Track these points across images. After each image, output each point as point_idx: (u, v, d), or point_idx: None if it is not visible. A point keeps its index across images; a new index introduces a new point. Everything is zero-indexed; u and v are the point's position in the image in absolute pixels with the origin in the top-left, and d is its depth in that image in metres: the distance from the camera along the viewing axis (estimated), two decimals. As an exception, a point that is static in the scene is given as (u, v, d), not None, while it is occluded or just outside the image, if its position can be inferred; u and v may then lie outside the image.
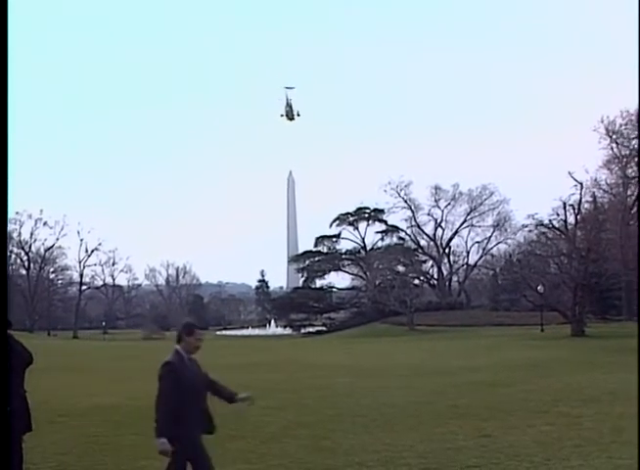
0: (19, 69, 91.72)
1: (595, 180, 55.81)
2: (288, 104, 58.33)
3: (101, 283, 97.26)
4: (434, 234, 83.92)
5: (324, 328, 73.22)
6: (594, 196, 53.48)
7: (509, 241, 74.66)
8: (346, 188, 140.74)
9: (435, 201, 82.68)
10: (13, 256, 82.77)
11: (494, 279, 71.05)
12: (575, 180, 44.07)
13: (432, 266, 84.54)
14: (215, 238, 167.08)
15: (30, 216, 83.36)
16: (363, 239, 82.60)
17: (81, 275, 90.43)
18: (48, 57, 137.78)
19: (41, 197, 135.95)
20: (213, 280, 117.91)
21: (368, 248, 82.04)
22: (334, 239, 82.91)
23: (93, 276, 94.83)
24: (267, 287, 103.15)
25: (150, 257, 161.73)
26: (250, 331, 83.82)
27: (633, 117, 54.46)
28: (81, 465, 8.71)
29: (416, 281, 76.84)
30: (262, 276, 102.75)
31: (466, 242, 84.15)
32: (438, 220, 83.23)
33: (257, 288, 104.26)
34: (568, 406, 12.44)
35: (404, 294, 62.36)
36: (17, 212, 79.95)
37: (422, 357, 28.07)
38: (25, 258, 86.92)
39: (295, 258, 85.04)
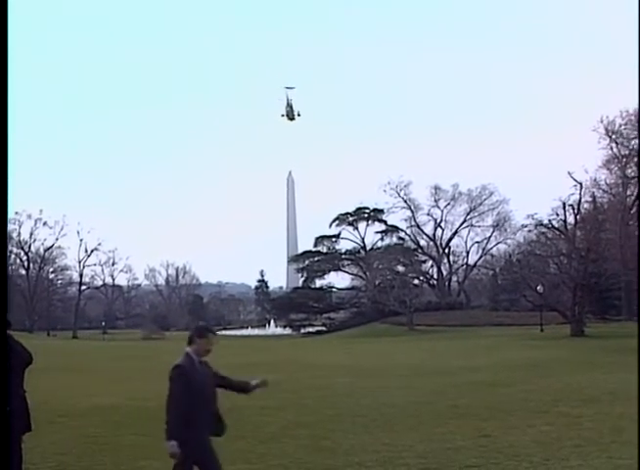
0: (19, 69, 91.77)
1: (595, 180, 55.87)
2: (288, 104, 58.33)
3: (100, 283, 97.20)
4: (434, 234, 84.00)
5: (324, 328, 73.24)
6: (594, 196, 53.49)
7: (508, 241, 74.74)
8: (346, 188, 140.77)
9: (435, 201, 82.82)
10: (12, 256, 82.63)
11: (494, 279, 71.08)
12: (575, 180, 44.18)
13: (431, 266, 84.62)
14: (215, 238, 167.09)
15: (30, 216, 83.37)
16: (363, 239, 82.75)
17: (81, 275, 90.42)
18: (48, 57, 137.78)
19: (41, 197, 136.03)
20: (213, 280, 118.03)
21: (368, 248, 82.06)
22: (333, 239, 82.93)
23: (93, 276, 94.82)
24: (267, 287, 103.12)
25: (149, 257, 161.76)
26: (249, 331, 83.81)
27: (633, 117, 54.47)
28: (80, 465, 8.70)
29: (416, 281, 76.87)
30: (262, 276, 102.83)
31: (465, 242, 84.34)
32: (438, 220, 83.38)
33: (257, 288, 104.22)
34: (567, 406, 12.44)
35: (404, 294, 62.38)
36: (16, 212, 79.90)
37: (422, 357, 28.08)
38: (25, 258, 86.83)
39: (294, 259, 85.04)
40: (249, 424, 10.88)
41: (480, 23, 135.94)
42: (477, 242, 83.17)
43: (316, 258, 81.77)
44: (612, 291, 53.71)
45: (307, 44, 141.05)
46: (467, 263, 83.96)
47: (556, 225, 44.01)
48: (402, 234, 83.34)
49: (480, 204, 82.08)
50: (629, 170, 56.28)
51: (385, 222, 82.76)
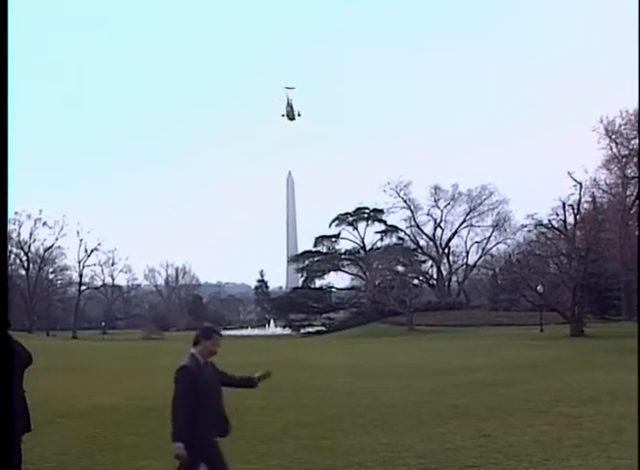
0: (19, 69, 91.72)
1: (594, 180, 55.82)
2: (289, 104, 58.33)
3: (100, 283, 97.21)
4: (434, 234, 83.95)
5: (323, 328, 73.19)
6: (593, 196, 53.48)
7: (508, 241, 74.66)
8: (346, 188, 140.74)
9: (435, 201, 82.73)
10: (12, 256, 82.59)
11: (494, 279, 71.03)
12: (575, 180, 44.18)
13: (431, 266, 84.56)
14: (215, 238, 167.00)
15: (30, 217, 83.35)
16: (362, 239, 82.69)
17: (80, 275, 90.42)
18: (48, 57, 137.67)
19: (40, 197, 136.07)
20: (213, 280, 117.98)
21: (367, 248, 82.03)
22: (333, 239, 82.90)
23: (92, 276, 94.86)
24: (267, 287, 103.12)
25: (149, 257, 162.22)
26: (249, 331, 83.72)
27: (632, 117, 54.45)
28: (80, 465, 8.70)
29: (415, 281, 76.82)
30: (262, 276, 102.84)
31: (465, 242, 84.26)
32: (438, 220, 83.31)
33: (257, 288, 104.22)
34: (567, 406, 12.44)
35: (404, 294, 62.35)
36: (16, 213, 79.84)
37: (421, 357, 28.07)
38: (25, 258, 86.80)
39: (294, 259, 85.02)
40: (249, 424, 10.86)
41: (480, 23, 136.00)
42: (476, 242, 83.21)
43: (316, 259, 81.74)
44: (611, 291, 53.73)
45: (307, 44, 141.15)
46: (467, 263, 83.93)
47: (556, 225, 44.02)
48: (402, 234, 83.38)
49: (480, 204, 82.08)
50: (629, 170, 56.26)
51: (384, 222, 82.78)
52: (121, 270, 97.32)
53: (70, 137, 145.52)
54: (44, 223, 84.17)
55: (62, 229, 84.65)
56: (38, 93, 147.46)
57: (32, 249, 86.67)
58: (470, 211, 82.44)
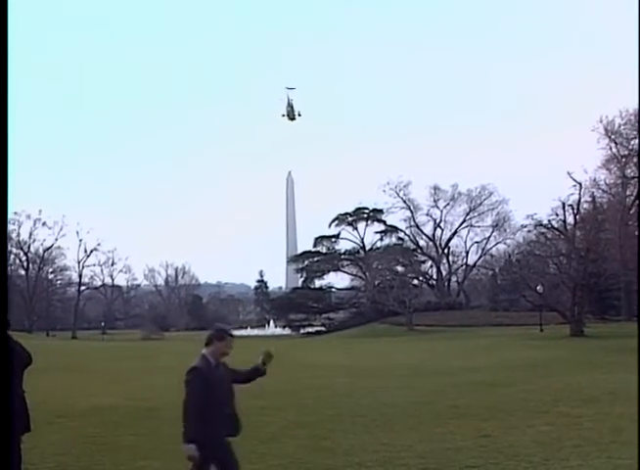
0: (19, 69, 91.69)
1: (594, 180, 55.76)
2: (289, 104, 58.38)
3: (100, 283, 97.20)
4: (434, 234, 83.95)
5: (323, 328, 73.16)
6: (593, 196, 53.47)
7: (508, 241, 74.61)
8: (345, 188, 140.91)
9: (435, 201, 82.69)
10: (12, 256, 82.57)
11: (493, 279, 71.01)
12: (574, 180, 44.19)
13: (431, 267, 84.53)
14: (215, 238, 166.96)
15: (29, 217, 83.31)
16: (362, 239, 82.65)
17: (80, 275, 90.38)
18: (48, 57, 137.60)
19: (40, 197, 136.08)
20: (212, 280, 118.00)
21: (367, 248, 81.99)
22: (333, 239, 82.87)
23: (92, 276, 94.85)
24: (266, 287, 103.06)
25: (149, 257, 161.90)
26: (249, 331, 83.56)
27: (632, 117, 54.41)
28: (80, 466, 8.69)
29: (415, 281, 76.74)
30: (261, 276, 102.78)
31: (465, 242, 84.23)
32: (437, 220, 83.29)
33: (256, 288, 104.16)
34: (567, 406, 12.44)
35: (403, 294, 62.33)
36: (15, 213, 79.79)
37: (421, 357, 28.06)
38: (24, 258, 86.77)
39: (294, 259, 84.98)
40: (249, 424, 10.76)
41: (480, 23, 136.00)
42: (476, 242, 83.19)
43: (315, 259, 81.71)
44: (611, 291, 53.74)
45: (307, 44, 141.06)
46: (466, 264, 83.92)
47: (555, 225, 44.03)
48: (402, 234, 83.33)
49: (480, 204, 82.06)
50: (629, 170, 56.23)
51: (384, 222, 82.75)
52: (121, 270, 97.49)
53: (70, 137, 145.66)
54: (44, 223, 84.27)
55: (61, 229, 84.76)
56: (38, 93, 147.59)
57: (32, 249, 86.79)
58: (469, 211, 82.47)
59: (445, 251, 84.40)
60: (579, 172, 50.10)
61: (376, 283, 73.28)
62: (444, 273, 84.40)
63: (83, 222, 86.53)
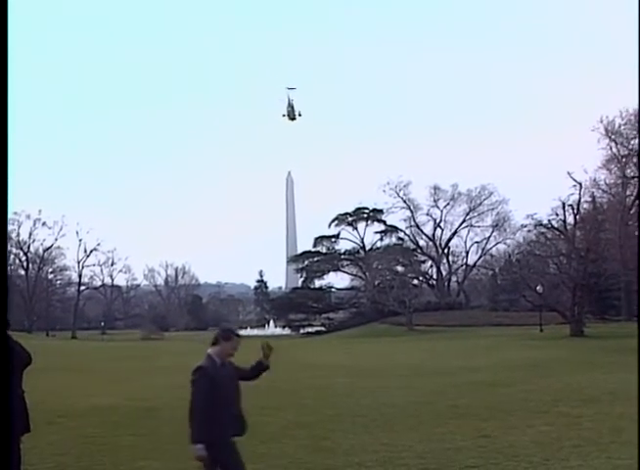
0: (19, 69, 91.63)
1: (594, 180, 55.78)
2: (289, 104, 58.42)
3: (99, 283, 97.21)
4: (434, 234, 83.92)
5: (323, 328, 73.16)
6: (593, 196, 53.48)
7: (508, 241, 74.56)
8: (345, 188, 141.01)
9: (435, 201, 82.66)
10: (11, 256, 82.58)
11: (493, 279, 70.99)
12: (574, 180, 44.18)
13: (431, 266, 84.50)
14: (215, 238, 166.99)
15: (29, 217, 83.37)
16: (362, 239, 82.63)
17: (80, 275, 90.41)
18: (48, 57, 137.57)
19: (40, 197, 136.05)
20: (212, 280, 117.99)
21: (367, 248, 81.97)
22: (333, 239, 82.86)
23: (92, 276, 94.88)
24: (266, 287, 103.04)
25: (149, 257, 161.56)
26: (248, 331, 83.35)
27: (632, 117, 54.40)
28: (79, 466, 8.68)
29: (415, 281, 76.71)
30: (261, 276, 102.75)
31: (465, 242, 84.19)
32: (437, 220, 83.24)
33: (256, 288, 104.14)
34: (567, 406, 12.43)
35: (403, 294, 62.31)
36: (15, 213, 79.79)
37: (421, 357, 28.06)
38: (24, 258, 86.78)
39: (294, 259, 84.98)
40: (249, 424, 10.84)
41: (480, 23, 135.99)
42: (476, 242, 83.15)
43: (315, 259, 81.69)
44: (611, 291, 53.73)
45: (307, 44, 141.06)
46: (466, 264, 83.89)
47: (555, 225, 44.02)
48: (402, 234, 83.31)
49: (480, 204, 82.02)
50: (629, 170, 56.23)
51: (384, 222, 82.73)
52: (121, 270, 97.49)
53: (70, 137, 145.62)
54: (43, 223, 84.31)
55: (61, 229, 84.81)
56: (38, 93, 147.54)
57: (32, 249, 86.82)
58: (469, 211, 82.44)
59: (445, 251, 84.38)
60: (579, 172, 50.20)
61: (376, 283, 73.25)
62: (444, 273, 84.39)
63: (83, 222, 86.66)
